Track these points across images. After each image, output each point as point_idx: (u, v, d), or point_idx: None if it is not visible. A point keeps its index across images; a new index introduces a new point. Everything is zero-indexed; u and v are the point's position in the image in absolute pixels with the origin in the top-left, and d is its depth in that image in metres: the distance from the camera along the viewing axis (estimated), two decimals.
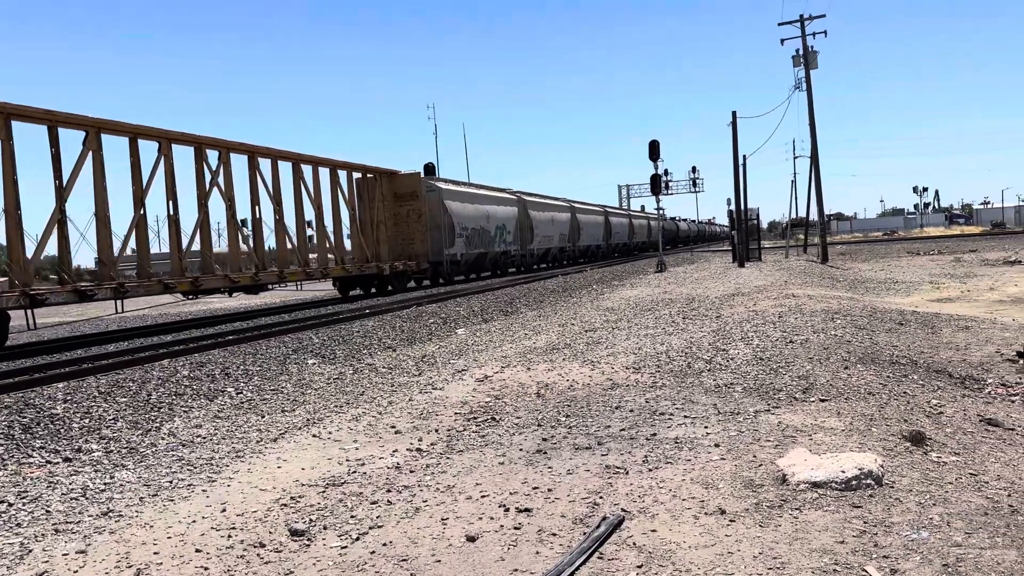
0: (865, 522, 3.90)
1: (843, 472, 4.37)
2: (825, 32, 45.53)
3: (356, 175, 26.61)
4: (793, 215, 59.07)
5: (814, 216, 40.73)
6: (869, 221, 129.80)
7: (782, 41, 37.65)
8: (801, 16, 36.50)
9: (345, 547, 4.05)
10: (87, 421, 8.05)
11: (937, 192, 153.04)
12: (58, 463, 6.58)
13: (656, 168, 34.88)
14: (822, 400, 6.73)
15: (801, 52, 36.36)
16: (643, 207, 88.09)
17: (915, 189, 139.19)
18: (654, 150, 33.97)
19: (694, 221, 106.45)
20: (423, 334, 15.03)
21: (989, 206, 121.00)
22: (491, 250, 34.61)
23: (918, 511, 4.02)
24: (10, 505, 5.23)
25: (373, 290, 27.26)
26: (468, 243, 31.77)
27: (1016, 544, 3.56)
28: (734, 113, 36.50)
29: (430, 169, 42.87)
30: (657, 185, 35.69)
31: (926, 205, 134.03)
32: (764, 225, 76.33)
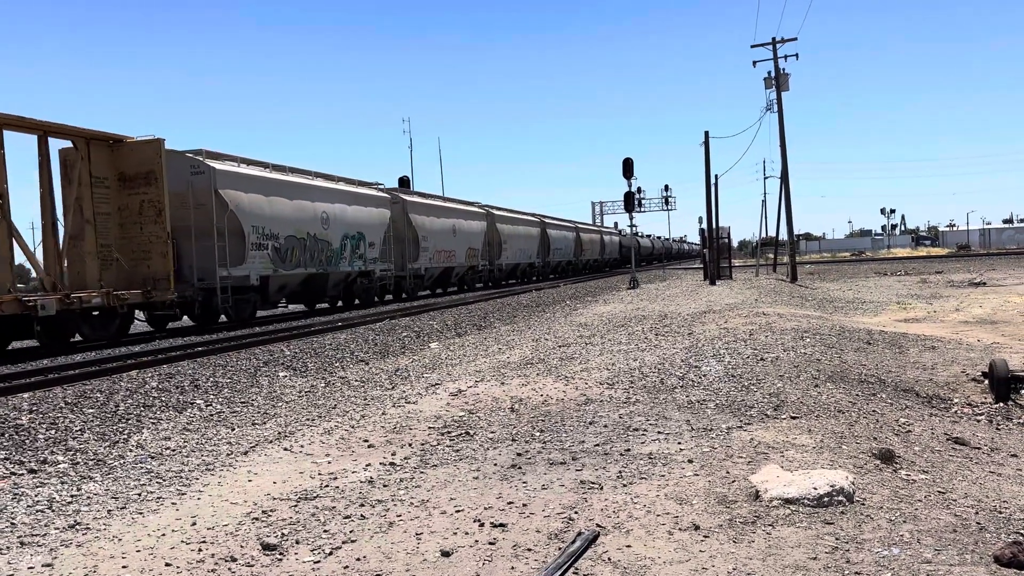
0: (837, 538, 3.94)
1: (815, 489, 4.42)
2: (797, 55, 46.39)
3: (23, 136, 15.53)
4: (763, 234, 59.74)
5: (784, 235, 41.27)
6: (837, 241, 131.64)
7: (754, 63, 38.17)
8: (773, 39, 37.08)
9: (318, 562, 4.02)
10: (53, 432, 7.91)
11: (903, 216, 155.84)
12: (23, 474, 6.45)
13: (629, 186, 35.18)
14: (793, 417, 6.80)
15: (773, 74, 36.90)
16: (616, 224, 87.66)
17: (882, 211, 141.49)
18: (628, 168, 34.22)
19: (659, 238, 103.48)
20: (396, 347, 14.97)
21: (954, 228, 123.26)
22: (333, 270, 23.92)
23: (889, 528, 4.08)
24: None
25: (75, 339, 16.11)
26: (280, 259, 20.95)
27: (984, 561, 3.62)
28: (707, 133, 36.94)
29: (405, 182, 42.64)
30: (630, 202, 35.94)
31: (893, 227, 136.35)
32: (735, 244, 76.26)
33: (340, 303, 25.98)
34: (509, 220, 42.21)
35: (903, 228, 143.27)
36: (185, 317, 19.34)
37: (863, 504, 4.43)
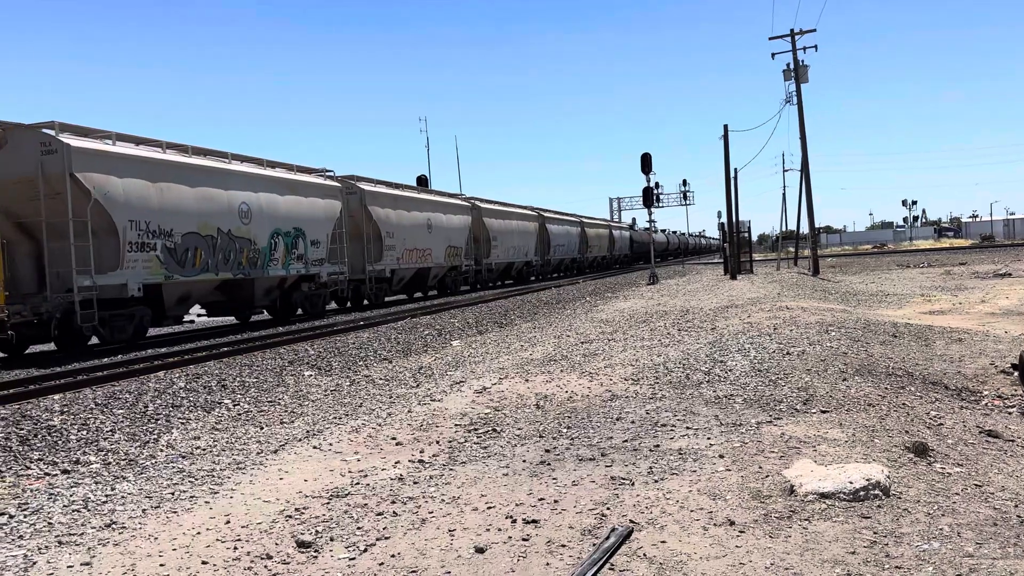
0: (875, 532, 3.91)
1: (851, 483, 4.38)
2: (816, 47, 45.96)
3: None
4: (784, 228, 59.17)
5: (805, 229, 40.97)
6: (859, 234, 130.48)
7: (773, 55, 37.87)
8: (792, 31, 36.79)
9: (353, 558, 4.03)
10: (84, 433, 7.99)
11: (924, 209, 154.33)
12: (57, 475, 6.53)
13: (648, 181, 35.00)
14: (823, 411, 6.75)
15: (792, 66, 36.61)
16: (633, 220, 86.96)
17: (904, 202, 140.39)
18: (646, 163, 34.11)
19: (674, 232, 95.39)
20: (418, 346, 15.00)
21: (978, 219, 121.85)
22: (260, 275, 19.32)
23: (927, 522, 4.04)
24: (11, 517, 5.18)
25: None
26: (176, 262, 16.63)
27: None
28: (726, 127, 36.74)
29: (422, 181, 42.72)
30: (649, 198, 35.81)
31: (915, 218, 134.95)
32: (755, 238, 74.94)
33: (281, 315, 21.43)
34: (499, 214, 37.23)
35: (925, 220, 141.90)
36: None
37: (900, 498, 4.39)
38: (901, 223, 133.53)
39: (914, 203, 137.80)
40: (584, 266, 53.18)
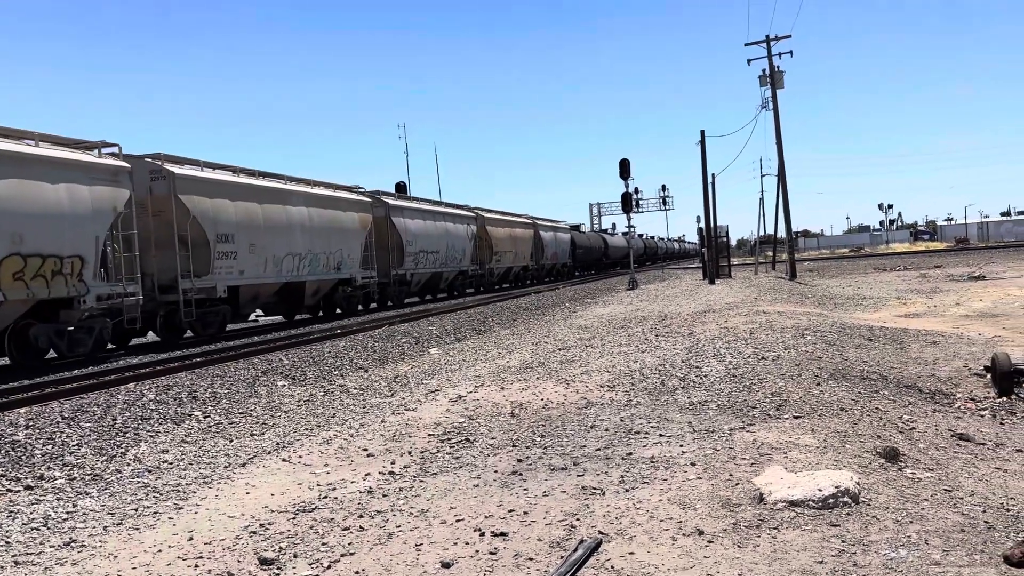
0: (843, 541, 3.88)
1: (820, 490, 4.35)
2: (791, 52, 46.14)
3: None
4: (761, 232, 59.39)
5: (782, 233, 41.23)
6: (836, 238, 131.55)
7: (748, 61, 38.14)
8: (767, 37, 37.05)
9: (316, 575, 3.95)
10: (50, 447, 7.84)
11: (900, 213, 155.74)
12: (19, 491, 6.39)
13: (627, 186, 35.14)
14: (796, 417, 6.73)
15: (768, 72, 36.87)
16: (614, 225, 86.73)
17: (880, 206, 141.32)
18: (624, 168, 34.23)
19: (640, 236, 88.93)
20: (395, 354, 14.90)
21: (953, 222, 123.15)
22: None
23: (896, 529, 4.01)
24: None
25: None
26: None
27: (994, 561, 3.55)
28: (702, 132, 36.95)
29: (401, 188, 42.65)
30: (628, 203, 35.92)
31: (891, 222, 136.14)
32: (733, 242, 74.61)
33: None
34: (251, 193, 19.85)
35: (901, 223, 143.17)
36: None
37: (869, 505, 4.37)
38: (877, 226, 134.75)
39: (890, 207, 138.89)
40: (491, 282, 37.64)
